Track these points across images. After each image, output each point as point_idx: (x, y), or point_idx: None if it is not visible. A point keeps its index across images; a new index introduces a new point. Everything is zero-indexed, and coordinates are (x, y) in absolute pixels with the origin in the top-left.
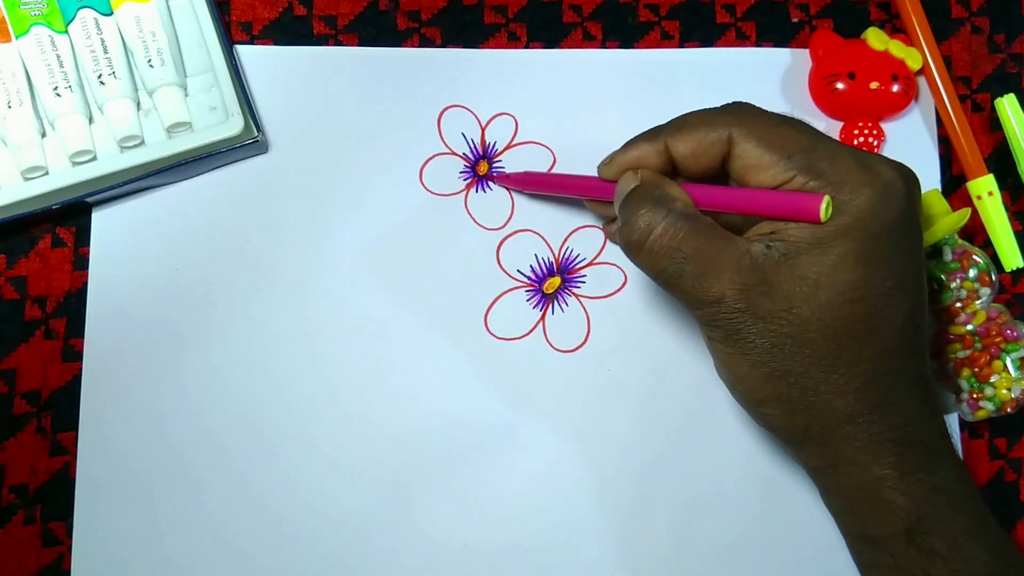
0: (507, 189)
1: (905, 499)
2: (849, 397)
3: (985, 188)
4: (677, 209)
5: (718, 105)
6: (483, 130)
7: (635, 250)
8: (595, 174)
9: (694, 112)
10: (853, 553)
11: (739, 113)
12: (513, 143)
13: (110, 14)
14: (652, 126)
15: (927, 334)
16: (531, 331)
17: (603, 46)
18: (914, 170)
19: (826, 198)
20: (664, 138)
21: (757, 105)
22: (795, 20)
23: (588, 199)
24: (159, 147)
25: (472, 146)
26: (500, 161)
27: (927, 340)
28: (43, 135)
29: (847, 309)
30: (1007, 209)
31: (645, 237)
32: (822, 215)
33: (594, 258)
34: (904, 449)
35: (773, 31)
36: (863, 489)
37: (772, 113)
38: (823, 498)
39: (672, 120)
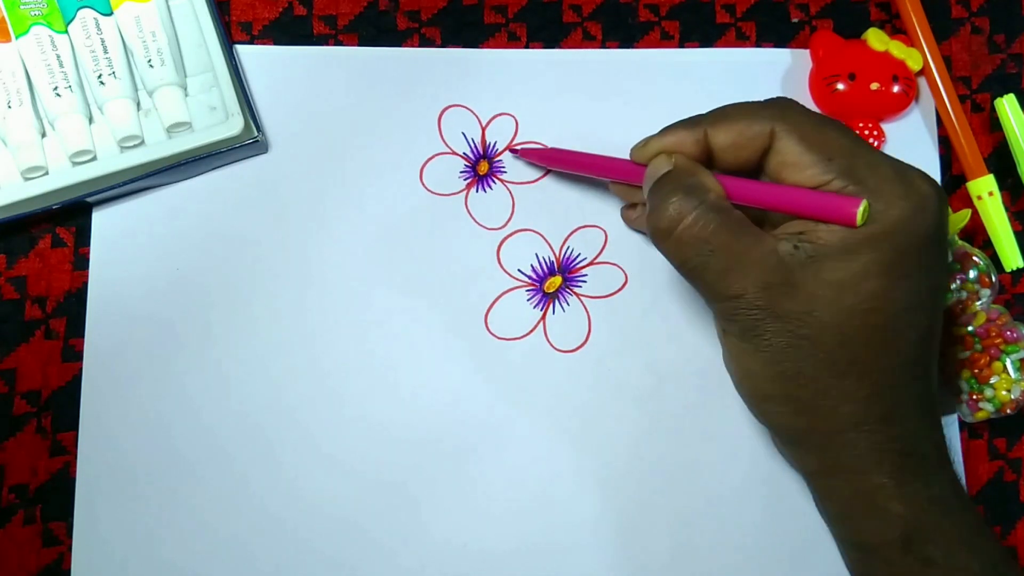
0: (507, 188)
1: (902, 508)
2: (856, 405)
3: (985, 188)
4: (709, 200)
5: (757, 100)
6: (483, 130)
7: (662, 237)
8: (639, 139)
9: (737, 104)
10: (848, 561)
11: (783, 109)
12: (513, 143)
13: (110, 14)
14: (654, 126)
15: (937, 352)
16: (532, 331)
17: (603, 46)
18: None
19: (863, 203)
20: (704, 127)
21: (799, 102)
22: (795, 20)
23: (614, 181)
24: (159, 147)
25: (472, 146)
26: (500, 161)
27: (936, 358)
28: (43, 135)
29: (866, 318)
30: (1007, 209)
31: (674, 225)
32: (858, 219)
33: (595, 258)
34: (903, 460)
35: (773, 31)
36: (860, 496)
37: (815, 113)
38: (818, 504)
39: (713, 110)
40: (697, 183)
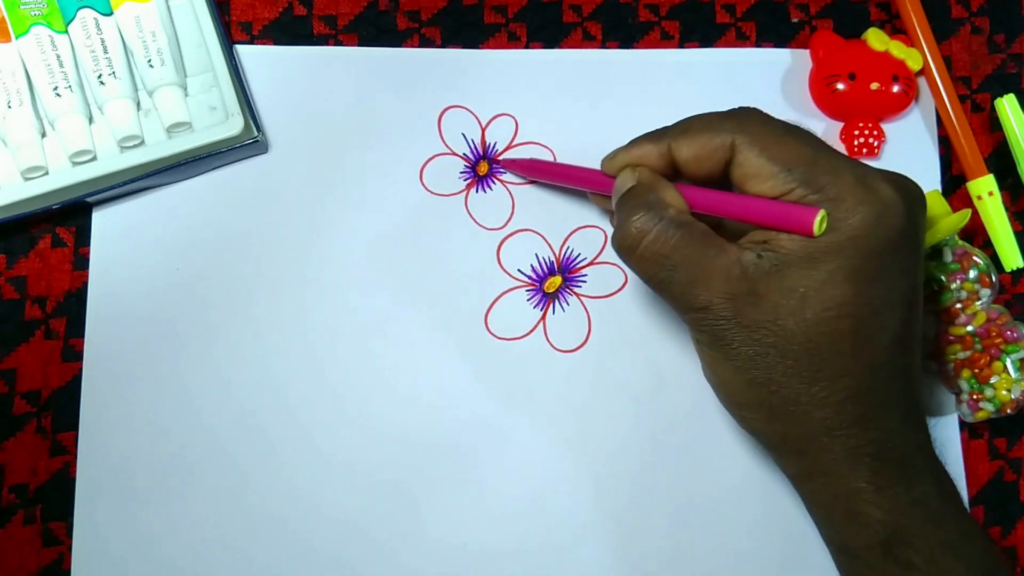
0: (507, 188)
1: (880, 512)
2: (828, 410)
3: (985, 188)
4: (669, 216)
5: (722, 109)
6: (483, 130)
7: (627, 254)
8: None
9: (699, 116)
10: (836, 563)
11: (744, 120)
12: (513, 143)
13: (110, 14)
14: (654, 127)
15: (917, 353)
16: (531, 331)
17: (603, 46)
18: (915, 172)
19: (820, 213)
20: (668, 140)
21: (763, 111)
22: (795, 20)
23: (592, 192)
24: (159, 147)
25: (472, 146)
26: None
27: (917, 359)
28: (43, 135)
29: (833, 324)
30: (1007, 209)
31: (637, 243)
32: (815, 229)
33: (595, 258)
34: (880, 464)
35: (773, 31)
36: (839, 501)
37: (778, 122)
38: (805, 506)
39: (677, 122)
40: (657, 199)
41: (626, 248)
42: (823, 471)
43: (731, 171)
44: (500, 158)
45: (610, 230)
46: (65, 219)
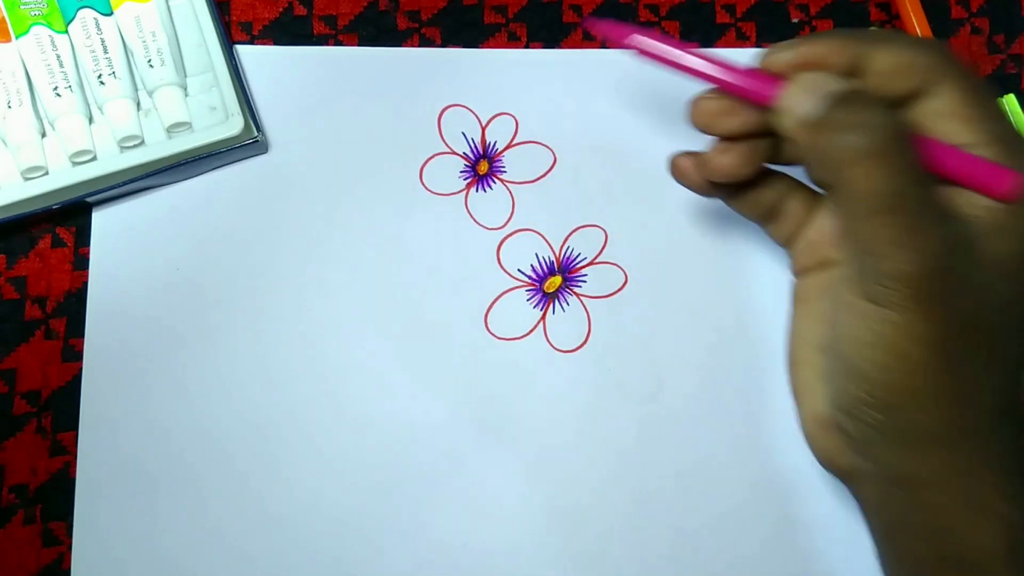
0: (507, 188)
1: (1018, 514)
2: (993, 398)
3: None
4: (909, 134)
5: None
6: (483, 130)
7: (865, 156)
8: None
9: (896, 31)
10: None
11: (948, 51)
12: (513, 143)
13: (110, 14)
14: (654, 127)
15: None
16: (531, 331)
17: (603, 46)
18: None
19: None
20: (861, 45)
21: None
22: (795, 20)
23: (717, 95)
24: (159, 147)
25: (472, 145)
26: (500, 161)
27: None
28: (43, 135)
29: (1022, 305)
30: None
31: (887, 146)
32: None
33: (595, 257)
34: (1017, 461)
35: (773, 31)
36: (973, 501)
37: None
38: (904, 520)
39: (870, 30)
40: (891, 111)
41: (863, 152)
42: (969, 468)
43: (919, 102)
44: (635, 41)
45: (611, 229)
46: (65, 219)
